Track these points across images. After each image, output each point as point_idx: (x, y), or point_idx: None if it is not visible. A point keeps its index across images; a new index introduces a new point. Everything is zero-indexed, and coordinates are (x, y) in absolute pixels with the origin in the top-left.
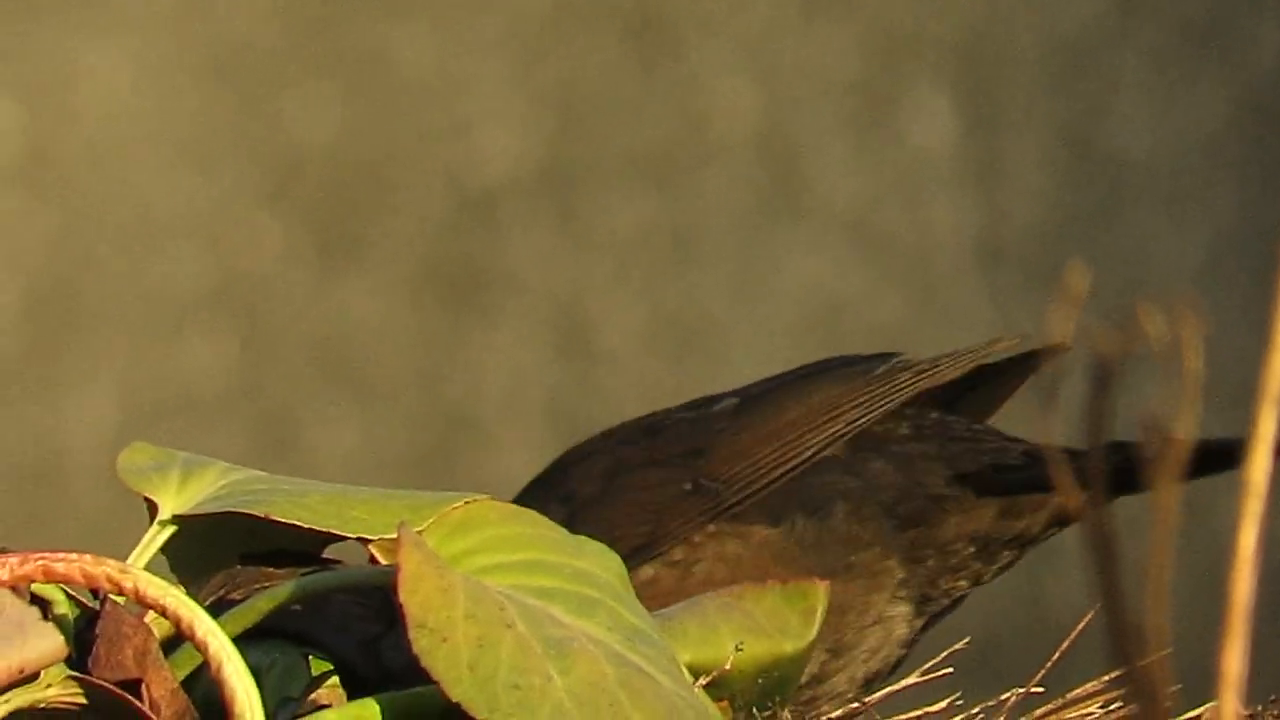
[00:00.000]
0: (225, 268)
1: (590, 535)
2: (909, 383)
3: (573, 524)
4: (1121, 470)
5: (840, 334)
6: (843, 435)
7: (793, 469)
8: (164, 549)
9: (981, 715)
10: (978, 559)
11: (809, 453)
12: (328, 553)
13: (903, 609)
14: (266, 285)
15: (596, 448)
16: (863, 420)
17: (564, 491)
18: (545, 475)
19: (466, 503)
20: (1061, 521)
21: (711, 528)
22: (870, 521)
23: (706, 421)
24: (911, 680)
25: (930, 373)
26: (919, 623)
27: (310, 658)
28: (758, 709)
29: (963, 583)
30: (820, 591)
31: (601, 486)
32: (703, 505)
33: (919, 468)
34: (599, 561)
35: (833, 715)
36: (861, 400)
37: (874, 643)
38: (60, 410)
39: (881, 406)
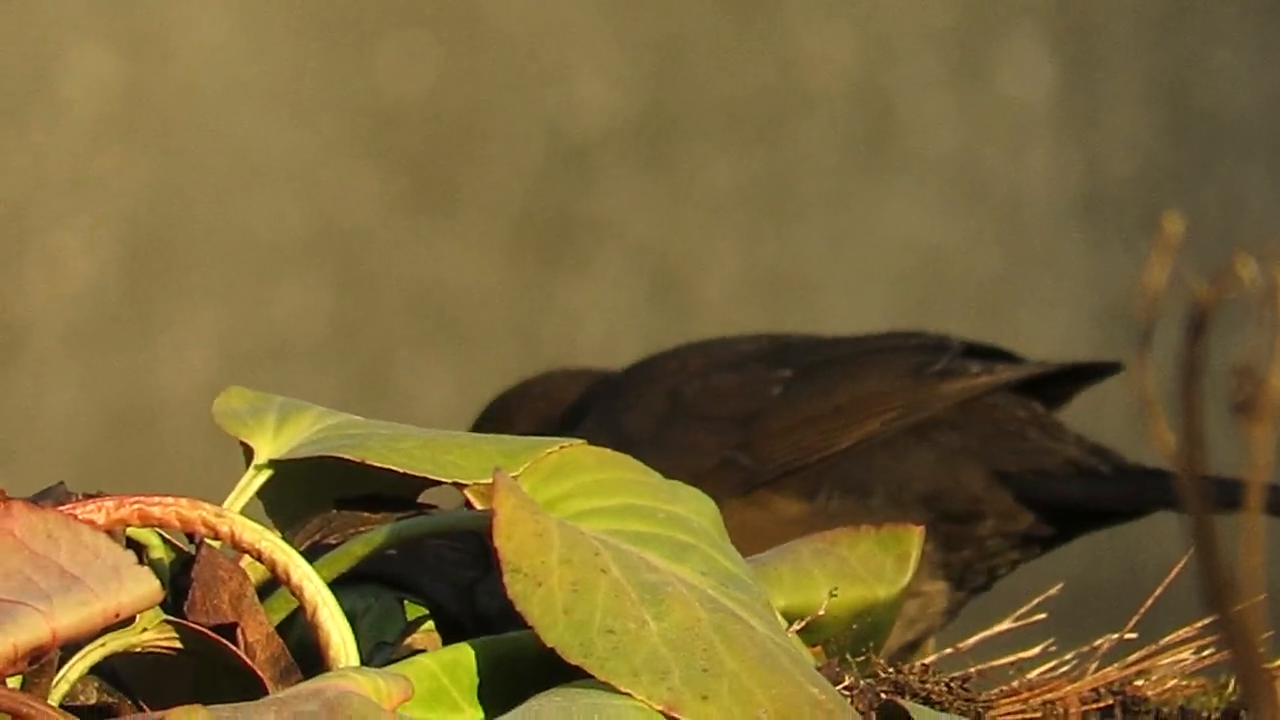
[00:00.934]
0: (321, 216)
1: None
2: (955, 394)
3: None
4: None
5: (937, 284)
6: (882, 434)
7: (829, 456)
8: (260, 493)
9: (1075, 661)
10: (1016, 550)
11: (847, 443)
12: (423, 497)
13: (940, 585)
14: (362, 234)
15: (657, 375)
16: (902, 422)
17: (615, 425)
18: (599, 395)
19: (562, 448)
20: (1101, 519)
21: (743, 498)
22: (908, 509)
23: (762, 386)
24: (1005, 626)
25: (981, 385)
26: (960, 595)
27: (405, 602)
28: (851, 654)
29: (1002, 569)
30: (915, 537)
31: (653, 431)
32: (739, 479)
33: (960, 465)
34: (693, 507)
35: (927, 660)
36: (907, 402)
37: (912, 613)
38: (157, 356)
39: (924, 413)
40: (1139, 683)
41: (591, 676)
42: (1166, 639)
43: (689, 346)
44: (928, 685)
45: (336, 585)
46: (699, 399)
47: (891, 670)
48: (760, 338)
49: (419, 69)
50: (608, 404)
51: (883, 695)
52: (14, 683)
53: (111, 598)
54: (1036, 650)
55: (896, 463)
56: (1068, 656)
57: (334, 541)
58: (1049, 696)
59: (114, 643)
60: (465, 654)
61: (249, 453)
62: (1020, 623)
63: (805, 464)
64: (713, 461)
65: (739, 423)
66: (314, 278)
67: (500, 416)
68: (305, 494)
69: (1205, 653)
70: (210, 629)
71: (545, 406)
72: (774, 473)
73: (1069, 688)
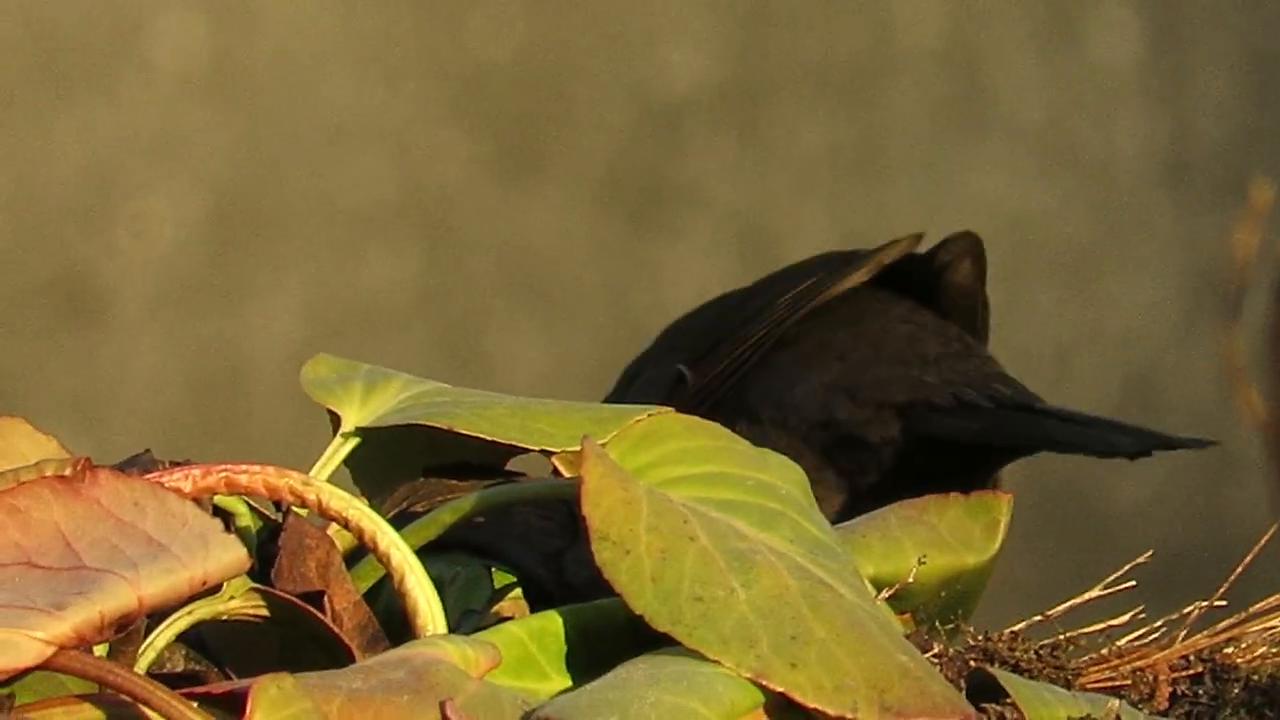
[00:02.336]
0: (410, 180)
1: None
2: (806, 294)
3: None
4: None
5: (1025, 249)
6: (765, 341)
7: (741, 362)
8: (347, 461)
9: (1164, 628)
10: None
11: (746, 349)
12: (510, 465)
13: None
14: (451, 198)
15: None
16: (781, 327)
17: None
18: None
19: (650, 415)
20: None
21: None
22: (798, 439)
23: (730, 315)
24: (1094, 594)
25: (820, 292)
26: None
27: (493, 570)
28: (940, 621)
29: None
30: (1004, 504)
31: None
32: (685, 392)
33: (845, 390)
34: (782, 474)
35: (1015, 628)
36: (789, 305)
37: None
38: (244, 322)
39: (794, 318)
40: (1229, 650)
41: (679, 644)
42: (1257, 606)
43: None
44: (1017, 653)
45: (424, 553)
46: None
47: (980, 638)
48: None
49: (508, 32)
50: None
51: (971, 663)
52: (100, 651)
53: (198, 565)
54: (1126, 618)
55: (786, 388)
56: (1157, 624)
57: (421, 509)
58: (1138, 664)
59: (201, 611)
60: (553, 621)
61: (336, 420)
62: (1110, 590)
63: (723, 373)
64: (671, 381)
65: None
66: (402, 242)
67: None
68: (392, 462)
69: None
70: (297, 597)
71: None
72: (702, 382)
73: (1158, 655)
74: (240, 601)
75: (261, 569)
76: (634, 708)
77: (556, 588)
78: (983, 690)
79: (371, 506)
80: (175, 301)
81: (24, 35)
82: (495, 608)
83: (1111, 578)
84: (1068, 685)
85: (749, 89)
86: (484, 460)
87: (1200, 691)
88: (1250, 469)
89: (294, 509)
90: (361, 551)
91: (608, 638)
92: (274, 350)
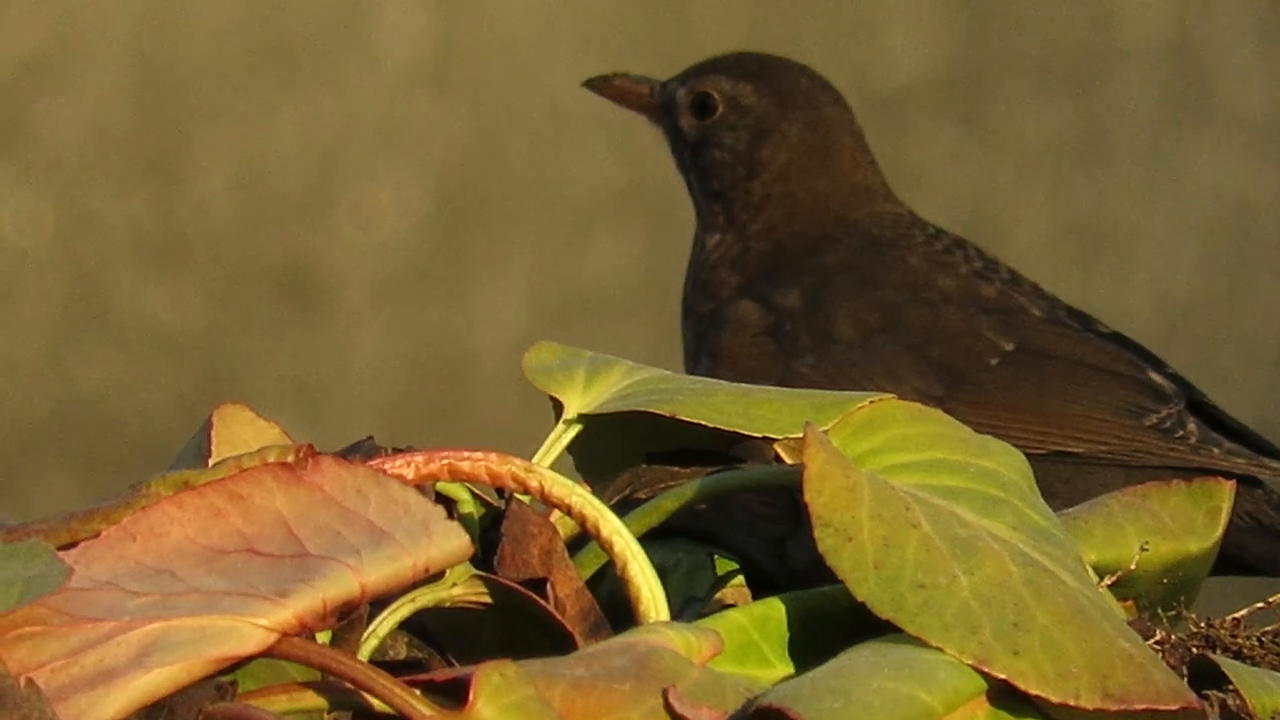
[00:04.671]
0: (633, 169)
1: None
2: (1166, 457)
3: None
4: None
5: (1247, 236)
6: (1071, 460)
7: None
8: (569, 448)
9: None
10: None
11: (1042, 453)
12: (732, 451)
13: None
14: (674, 187)
15: (888, 270)
16: (1107, 457)
17: (823, 324)
18: (830, 246)
19: (872, 402)
20: None
21: None
22: None
23: (981, 347)
24: None
25: (1193, 464)
26: None
27: (715, 557)
28: (1162, 608)
29: None
30: (1226, 491)
31: (858, 339)
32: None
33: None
34: (1004, 461)
35: (1237, 615)
36: (1119, 444)
37: None
38: (467, 309)
39: (1130, 462)
40: None
41: (902, 631)
42: None
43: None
44: (1239, 640)
45: (646, 540)
46: (919, 329)
47: (1203, 625)
48: (989, 274)
49: (733, 19)
50: (825, 275)
51: (1194, 650)
52: (324, 638)
53: (421, 553)
54: None
55: (1083, 477)
56: None
57: (644, 496)
58: None
59: (423, 598)
60: (775, 608)
61: (558, 407)
62: None
63: None
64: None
65: (944, 374)
66: (626, 230)
67: (771, 90)
68: (615, 449)
69: None
70: (520, 584)
71: (814, 154)
72: None
73: None
74: (463, 588)
75: (484, 556)
76: (857, 694)
77: (779, 574)
78: (1205, 677)
79: (594, 493)
80: (398, 289)
81: (250, 25)
82: (718, 594)
83: None
84: None
85: (972, 77)
86: (706, 447)
87: None
88: None
89: (516, 496)
90: (584, 538)
91: (830, 624)
92: (497, 338)
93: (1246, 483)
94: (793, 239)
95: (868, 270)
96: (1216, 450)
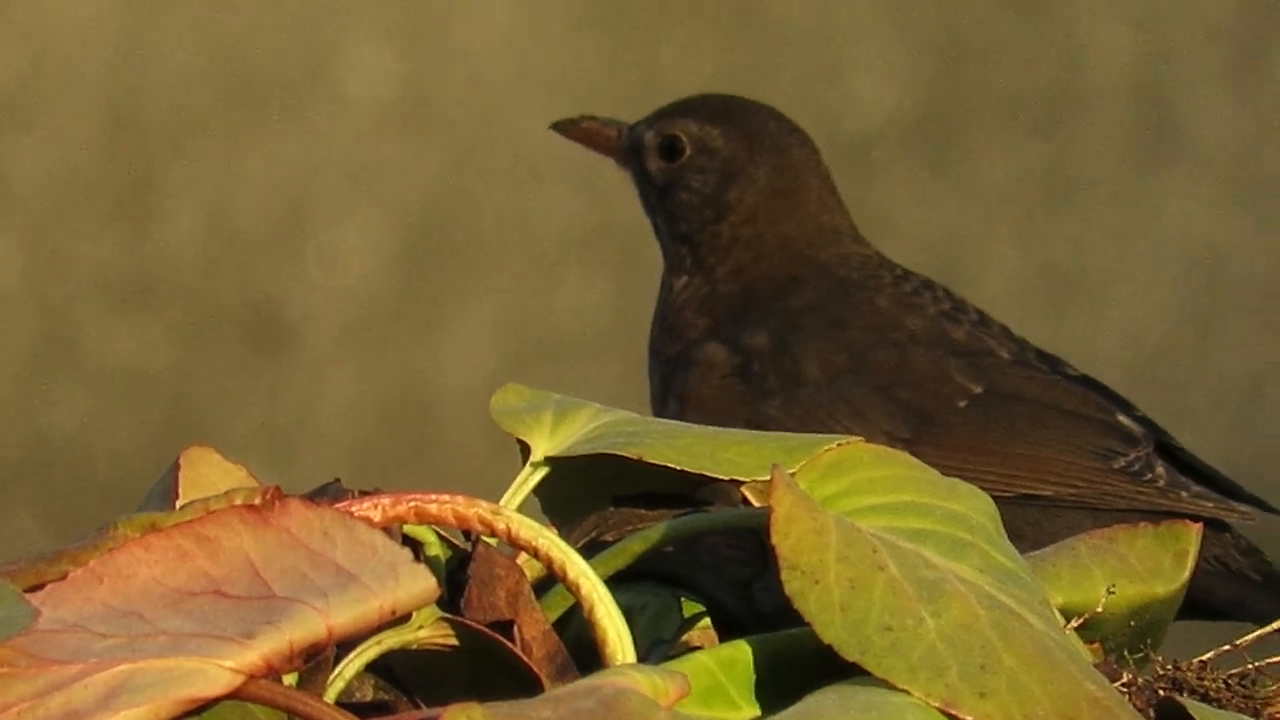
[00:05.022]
0: (601, 211)
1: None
2: (1134, 501)
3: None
4: None
5: (1219, 281)
6: (1039, 503)
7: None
8: (536, 490)
9: None
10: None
11: (1011, 495)
12: (699, 494)
13: None
14: (642, 228)
15: (854, 313)
16: (1074, 500)
17: (790, 353)
18: (796, 289)
19: (840, 445)
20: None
21: None
22: None
23: (949, 390)
24: None
25: (1161, 508)
26: None
27: (682, 600)
28: (1129, 651)
29: None
30: (1193, 534)
31: (825, 381)
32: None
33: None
34: (971, 504)
35: (1204, 658)
36: (1087, 487)
37: None
38: (436, 350)
39: (1098, 505)
40: None
41: (868, 673)
42: None
43: (895, 295)
44: (1206, 682)
45: (613, 582)
46: (886, 371)
47: (1169, 667)
48: (958, 315)
49: (699, 62)
50: (793, 316)
51: (1161, 692)
52: (290, 680)
53: (388, 595)
54: None
55: (1050, 520)
56: None
57: (610, 539)
58: None
59: (390, 640)
60: (742, 651)
61: (525, 450)
62: None
63: None
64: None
65: (912, 416)
66: (593, 272)
67: (738, 133)
68: (582, 491)
69: None
70: (486, 626)
71: (781, 196)
72: None
73: None
74: (429, 631)
75: (451, 598)
76: None
77: (745, 617)
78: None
79: (561, 535)
80: (366, 331)
81: (218, 66)
82: (684, 637)
83: None
84: (1256, 715)
85: (939, 120)
86: (673, 489)
87: None
88: None
89: (483, 538)
90: (551, 581)
91: (797, 667)
92: (465, 380)
93: (1214, 526)
94: (760, 281)
95: (835, 312)
96: (1185, 494)
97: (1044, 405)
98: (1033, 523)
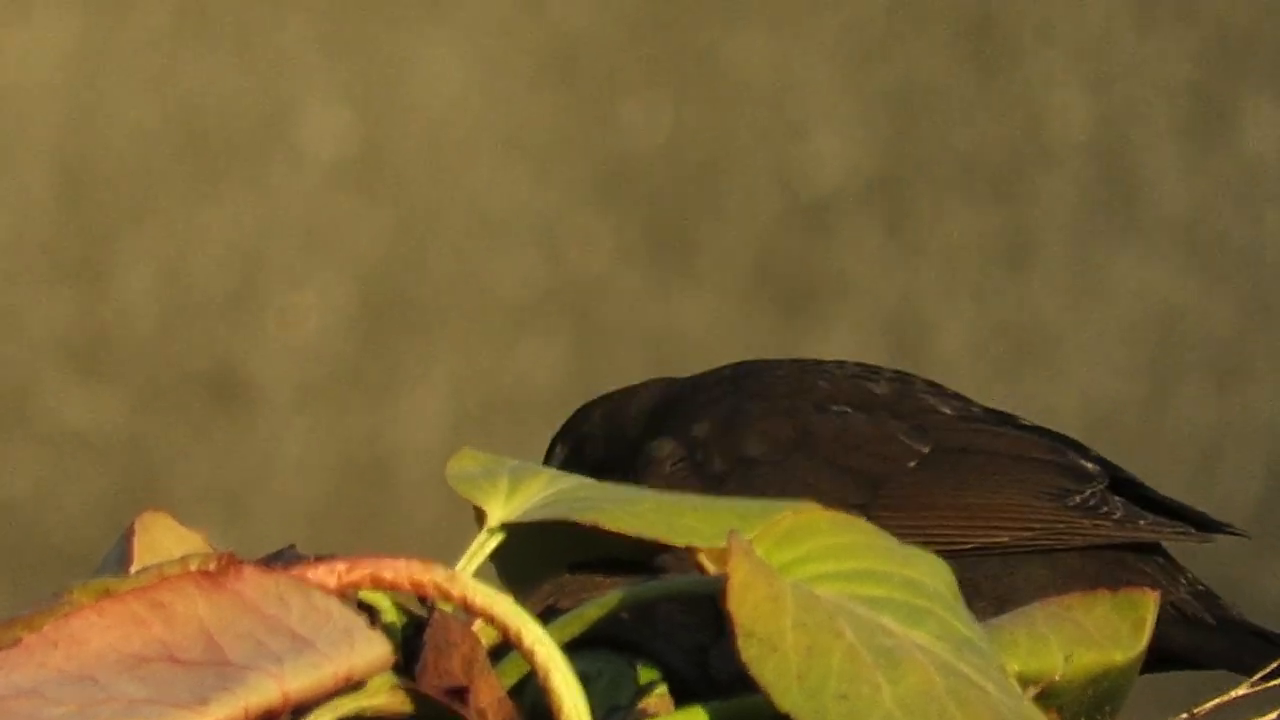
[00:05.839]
0: (558, 269)
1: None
2: (1091, 536)
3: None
4: None
5: (1174, 341)
6: (1002, 550)
7: (946, 551)
8: (492, 556)
9: None
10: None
11: (969, 546)
12: (656, 561)
13: None
14: (599, 287)
15: (779, 394)
16: (1031, 543)
17: (735, 439)
18: (691, 400)
19: (796, 511)
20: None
21: None
22: None
23: (897, 451)
24: (1242, 691)
25: (1118, 539)
26: None
27: (638, 666)
28: (1087, 719)
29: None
30: (1151, 602)
31: (777, 459)
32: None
33: (1068, 591)
34: (928, 571)
35: None
36: (1043, 527)
37: None
38: (393, 411)
39: (1056, 544)
40: None
41: None
42: None
43: (805, 369)
44: None
45: (569, 649)
46: (832, 440)
47: None
48: (889, 380)
49: (657, 121)
50: (718, 414)
51: None
52: None
53: (343, 661)
54: (1273, 716)
55: (1009, 573)
56: None
57: (566, 605)
58: None
59: (345, 706)
60: (698, 717)
61: (481, 515)
62: (1256, 688)
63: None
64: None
65: (864, 482)
66: (551, 331)
67: (578, 427)
68: (538, 557)
69: None
70: (442, 693)
71: (621, 411)
72: None
73: None
74: (385, 697)
75: (406, 664)
76: None
77: (701, 684)
78: None
79: (517, 602)
80: (322, 392)
81: (171, 125)
82: (641, 703)
83: (1259, 675)
84: None
85: (897, 180)
86: (630, 556)
87: None
88: None
89: (439, 604)
90: (506, 647)
91: None
92: (421, 442)
93: (1169, 571)
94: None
95: (774, 393)
96: (1142, 522)
97: (993, 454)
98: (991, 576)
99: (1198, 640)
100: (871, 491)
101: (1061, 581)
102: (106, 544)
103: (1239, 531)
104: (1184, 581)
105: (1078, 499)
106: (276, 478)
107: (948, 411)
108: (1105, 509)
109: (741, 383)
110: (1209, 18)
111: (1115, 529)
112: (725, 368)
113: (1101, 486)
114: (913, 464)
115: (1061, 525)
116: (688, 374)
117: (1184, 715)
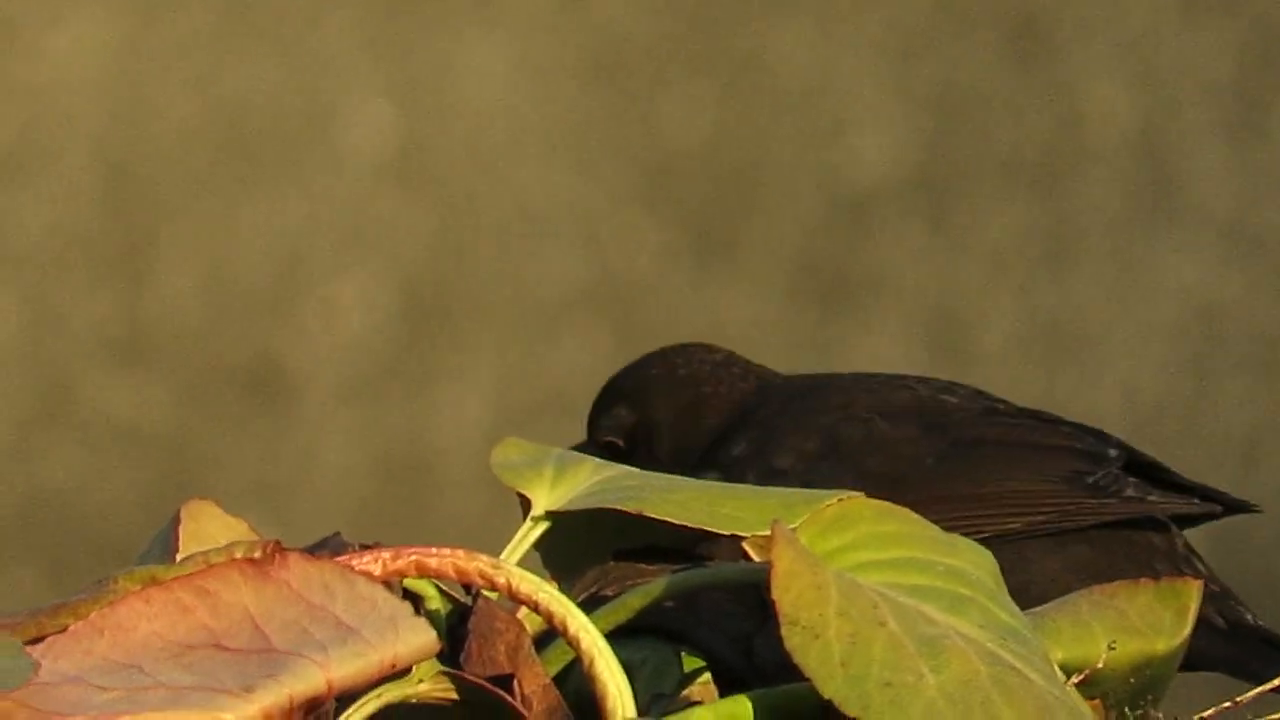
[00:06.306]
0: (600, 267)
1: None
2: (1104, 514)
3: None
4: None
5: (1214, 338)
6: (1019, 535)
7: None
8: (537, 545)
9: None
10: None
11: (987, 534)
12: (701, 548)
13: None
14: (641, 284)
15: (818, 408)
16: (1045, 527)
17: (767, 456)
18: (756, 411)
19: (840, 500)
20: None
21: None
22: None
23: (915, 450)
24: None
25: (1131, 512)
26: None
27: (682, 655)
28: (1129, 708)
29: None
30: (1194, 590)
31: (801, 468)
32: None
33: (1080, 580)
34: (972, 559)
35: (1204, 715)
36: (1056, 509)
37: None
38: (434, 407)
39: (1069, 524)
40: None
41: None
42: None
43: (854, 381)
44: None
45: (613, 637)
46: (855, 445)
47: None
48: (919, 385)
49: (699, 119)
50: (761, 431)
51: None
52: None
53: (388, 649)
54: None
55: (1023, 562)
56: None
57: (611, 593)
58: None
59: (390, 694)
60: (742, 706)
61: (526, 504)
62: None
63: None
64: None
65: (885, 482)
66: (592, 328)
67: (636, 395)
68: (582, 545)
69: None
70: (487, 680)
71: (692, 405)
72: None
73: None
74: (429, 685)
75: (451, 652)
76: None
77: (746, 672)
78: None
79: (561, 590)
80: (364, 387)
81: (215, 123)
82: (685, 692)
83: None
84: None
85: (938, 177)
86: (674, 544)
87: None
88: None
89: (483, 592)
90: (551, 635)
91: None
92: (463, 436)
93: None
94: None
95: (799, 408)
96: (1150, 497)
97: (1008, 444)
98: (1006, 569)
99: (1202, 644)
100: (893, 491)
101: (1072, 572)
102: (146, 535)
103: (1254, 507)
104: (1202, 575)
105: (1089, 480)
106: (317, 473)
107: (970, 408)
108: (1115, 487)
109: (784, 400)
110: (1250, 14)
111: (1121, 505)
112: (805, 382)
113: (1116, 468)
114: (931, 460)
115: (1070, 507)
116: None
117: (1227, 704)
